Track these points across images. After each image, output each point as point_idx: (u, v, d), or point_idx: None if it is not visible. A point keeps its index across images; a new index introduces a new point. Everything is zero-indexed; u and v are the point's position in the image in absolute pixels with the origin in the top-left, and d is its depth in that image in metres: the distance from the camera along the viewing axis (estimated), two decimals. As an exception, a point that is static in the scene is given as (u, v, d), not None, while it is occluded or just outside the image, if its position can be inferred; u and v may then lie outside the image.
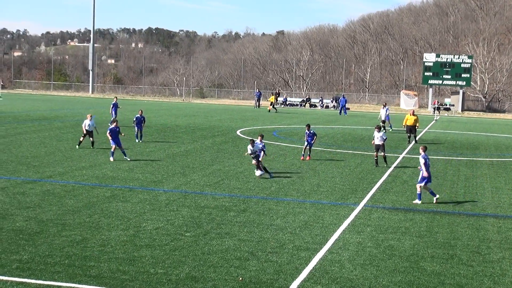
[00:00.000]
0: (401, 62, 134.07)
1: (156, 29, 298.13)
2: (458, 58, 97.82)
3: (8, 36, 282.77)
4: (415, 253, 16.57)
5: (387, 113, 52.94)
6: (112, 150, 30.98)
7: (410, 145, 42.61)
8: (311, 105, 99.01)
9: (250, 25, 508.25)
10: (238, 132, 47.17)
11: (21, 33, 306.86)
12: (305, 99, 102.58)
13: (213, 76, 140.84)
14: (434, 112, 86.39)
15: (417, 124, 44.31)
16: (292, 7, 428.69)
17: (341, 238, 17.86)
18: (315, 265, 15.16)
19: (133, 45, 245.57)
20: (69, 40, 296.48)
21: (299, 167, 31.20)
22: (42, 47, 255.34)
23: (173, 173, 27.86)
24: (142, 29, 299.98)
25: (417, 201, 23.40)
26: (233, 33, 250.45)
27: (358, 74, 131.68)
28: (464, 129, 62.19)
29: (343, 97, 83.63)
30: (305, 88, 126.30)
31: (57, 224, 18.08)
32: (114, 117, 48.02)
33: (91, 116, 35.38)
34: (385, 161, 32.55)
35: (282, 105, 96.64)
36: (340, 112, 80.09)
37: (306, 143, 33.80)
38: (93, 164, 29.64)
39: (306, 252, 16.18)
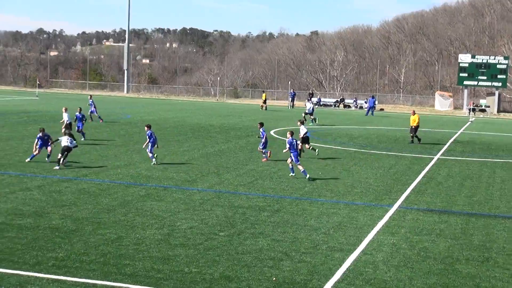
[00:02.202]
0: (436, 63, 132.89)
1: (191, 29, 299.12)
2: (494, 59, 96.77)
3: (45, 36, 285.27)
4: (450, 255, 16.46)
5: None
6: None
7: (445, 147, 42.31)
8: (345, 106, 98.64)
9: (284, 25, 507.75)
10: (272, 132, 47.17)
11: (57, 33, 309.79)
12: (339, 100, 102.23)
13: (247, 76, 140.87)
14: (469, 113, 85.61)
15: (414, 124, 43.92)
16: (326, 7, 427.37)
17: (375, 239, 17.80)
18: (349, 266, 15.12)
19: (168, 45, 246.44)
20: (105, 40, 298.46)
21: (333, 167, 31.12)
22: (78, 47, 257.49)
23: (207, 173, 27.96)
24: (176, 29, 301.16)
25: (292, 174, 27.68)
26: (267, 33, 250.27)
27: (392, 75, 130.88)
28: (499, 131, 61.54)
29: (372, 98, 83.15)
30: (339, 88, 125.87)
31: (93, 222, 18.25)
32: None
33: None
34: None
35: (316, 106, 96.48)
36: (367, 112, 79.56)
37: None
38: (128, 163, 29.85)
39: (340, 253, 16.15)
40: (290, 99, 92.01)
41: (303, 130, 35.21)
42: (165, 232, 17.51)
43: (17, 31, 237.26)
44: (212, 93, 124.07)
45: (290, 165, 27.84)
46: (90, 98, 54.60)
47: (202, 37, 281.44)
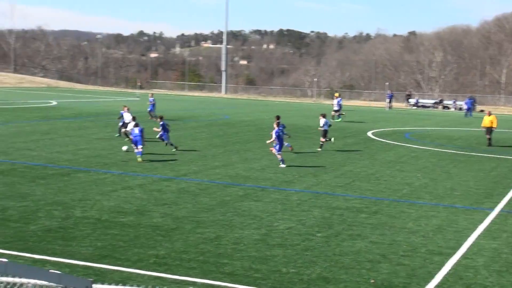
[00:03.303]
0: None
1: (287, 30, 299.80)
2: None
3: (146, 38, 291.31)
4: (555, 261, 15.98)
5: None
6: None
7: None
8: (444, 107, 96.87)
9: (381, 26, 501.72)
10: (369, 134, 46.83)
11: (157, 35, 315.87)
12: (438, 101, 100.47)
13: (344, 77, 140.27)
14: None
15: (494, 126, 42.70)
16: (424, 7, 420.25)
17: (476, 243, 17.45)
18: (449, 270, 14.89)
19: (265, 46, 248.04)
20: (203, 42, 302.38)
21: (432, 169, 30.66)
22: (177, 49, 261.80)
23: (305, 174, 28.00)
24: (273, 31, 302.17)
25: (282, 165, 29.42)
26: (364, 34, 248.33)
27: (493, 76, 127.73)
28: None
29: (469, 99, 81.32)
30: (437, 89, 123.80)
31: (192, 221, 18.56)
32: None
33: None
34: None
35: (414, 107, 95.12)
36: (466, 114, 77.77)
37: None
38: (226, 163, 30.19)
39: (439, 257, 15.92)
40: (388, 100, 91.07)
41: (322, 121, 36.99)
42: (263, 232, 17.65)
43: (118, 33, 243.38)
44: (309, 94, 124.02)
45: (279, 156, 29.73)
46: (151, 96, 55.24)
47: (298, 38, 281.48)
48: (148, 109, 52.72)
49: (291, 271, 14.35)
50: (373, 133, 47.63)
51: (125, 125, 37.24)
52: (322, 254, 15.71)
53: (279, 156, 29.72)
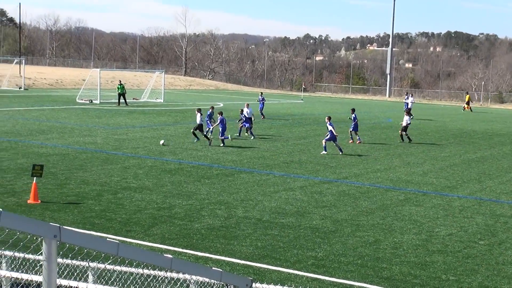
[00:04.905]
0: None
1: (455, 32, 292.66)
2: None
3: (311, 41, 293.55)
4: None
5: None
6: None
7: None
8: None
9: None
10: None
11: (323, 38, 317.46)
12: None
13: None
14: None
15: None
16: None
17: None
18: None
19: (431, 49, 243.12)
20: (368, 45, 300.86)
21: None
22: (342, 52, 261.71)
23: (468, 179, 27.32)
24: (440, 33, 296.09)
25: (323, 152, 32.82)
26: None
27: None
28: None
29: None
30: None
31: (351, 224, 18.60)
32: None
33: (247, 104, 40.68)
34: None
35: None
36: None
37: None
38: (388, 167, 29.96)
39: None
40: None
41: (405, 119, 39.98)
42: (423, 237, 17.42)
43: (285, 37, 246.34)
44: (476, 98, 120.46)
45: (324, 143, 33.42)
46: (261, 95, 55.32)
47: (467, 40, 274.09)
48: (259, 108, 53.27)
49: (450, 278, 14.10)
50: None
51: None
52: (484, 263, 15.31)
53: (323, 143, 33.35)
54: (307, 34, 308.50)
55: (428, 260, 15.35)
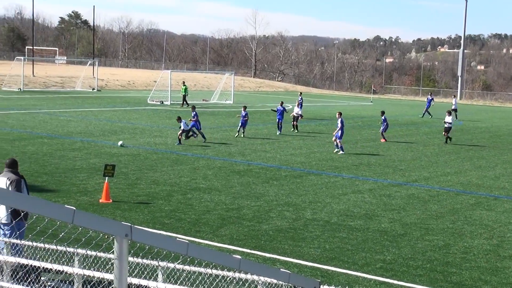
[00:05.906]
0: None
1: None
2: None
3: (381, 43, 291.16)
4: None
5: None
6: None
7: None
8: None
9: None
10: None
11: (393, 40, 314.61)
12: None
13: None
14: None
15: None
16: None
17: None
18: None
19: (504, 50, 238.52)
20: (439, 47, 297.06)
21: None
22: (413, 54, 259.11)
23: (542, 184, 26.73)
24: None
25: (340, 152, 33.02)
26: None
27: None
28: None
29: None
30: None
31: (421, 228, 18.41)
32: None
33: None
34: None
35: None
36: None
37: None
38: (458, 170, 29.55)
39: None
40: None
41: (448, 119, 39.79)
42: (494, 242, 17.14)
43: (355, 38, 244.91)
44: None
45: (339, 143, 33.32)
46: (300, 95, 54.70)
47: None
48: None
49: (522, 284, 13.85)
50: None
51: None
52: (557, 269, 14.98)
53: (339, 143, 33.29)
54: (377, 35, 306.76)
55: (499, 265, 15.11)
